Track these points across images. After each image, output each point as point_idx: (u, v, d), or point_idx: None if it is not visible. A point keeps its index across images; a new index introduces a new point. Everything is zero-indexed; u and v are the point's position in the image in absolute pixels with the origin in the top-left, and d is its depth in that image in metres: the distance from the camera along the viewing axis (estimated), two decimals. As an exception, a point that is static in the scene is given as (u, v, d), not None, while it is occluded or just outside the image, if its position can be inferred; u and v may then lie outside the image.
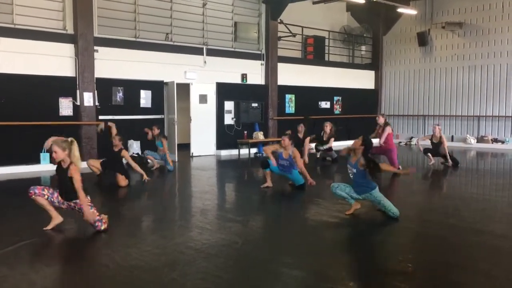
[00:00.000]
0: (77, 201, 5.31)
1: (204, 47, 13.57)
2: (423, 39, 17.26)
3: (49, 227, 5.42)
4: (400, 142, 17.44)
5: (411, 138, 17.63)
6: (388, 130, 10.17)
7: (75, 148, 5.36)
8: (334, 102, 17.49)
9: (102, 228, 5.31)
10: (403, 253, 4.71)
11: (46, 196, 5.38)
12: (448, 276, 4.10)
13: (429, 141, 11.41)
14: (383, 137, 10.13)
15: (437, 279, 4.04)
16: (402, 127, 18.59)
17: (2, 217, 6.10)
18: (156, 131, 11.14)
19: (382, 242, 5.21)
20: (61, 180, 5.41)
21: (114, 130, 9.44)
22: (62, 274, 4.21)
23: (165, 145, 10.77)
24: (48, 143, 5.48)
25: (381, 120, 10.51)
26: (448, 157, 10.89)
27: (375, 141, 10.21)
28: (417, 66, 18.08)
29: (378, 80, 18.99)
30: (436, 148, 11.17)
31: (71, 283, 3.97)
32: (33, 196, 5.33)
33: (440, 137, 11.12)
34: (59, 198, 5.43)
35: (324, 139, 12.39)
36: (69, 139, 5.41)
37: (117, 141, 8.72)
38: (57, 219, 5.46)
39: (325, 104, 17.16)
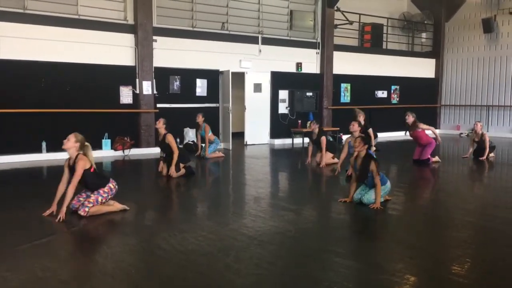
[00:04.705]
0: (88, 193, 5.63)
1: (259, 36, 13.57)
2: (488, 26, 16.39)
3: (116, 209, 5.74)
4: (461, 134, 16.74)
5: (473, 129, 16.83)
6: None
7: (90, 151, 5.68)
8: (392, 91, 17.03)
9: (83, 213, 5.42)
10: (462, 248, 4.54)
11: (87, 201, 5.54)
12: (509, 273, 3.91)
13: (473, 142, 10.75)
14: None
15: (496, 276, 3.87)
16: (464, 118, 17.80)
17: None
18: (201, 118, 10.70)
19: (441, 236, 5.04)
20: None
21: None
22: (121, 253, 4.38)
23: (208, 132, 10.53)
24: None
25: (410, 119, 9.76)
26: (486, 153, 10.39)
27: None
28: (481, 54, 17.20)
29: (438, 68, 18.26)
30: (480, 146, 10.58)
31: (129, 263, 4.12)
32: (87, 211, 5.45)
33: (482, 134, 10.53)
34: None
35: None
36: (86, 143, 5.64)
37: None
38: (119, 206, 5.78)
39: (382, 94, 16.75)
